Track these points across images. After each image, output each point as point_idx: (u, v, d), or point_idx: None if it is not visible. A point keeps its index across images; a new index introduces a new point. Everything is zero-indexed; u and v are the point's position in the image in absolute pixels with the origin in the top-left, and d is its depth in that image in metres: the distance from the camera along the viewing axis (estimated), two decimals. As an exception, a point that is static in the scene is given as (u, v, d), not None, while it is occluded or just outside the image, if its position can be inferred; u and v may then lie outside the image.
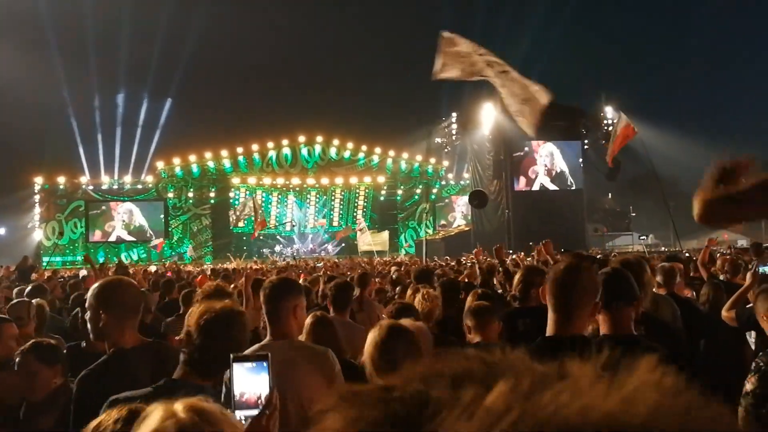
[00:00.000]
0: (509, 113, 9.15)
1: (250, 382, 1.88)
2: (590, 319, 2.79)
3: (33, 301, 5.59)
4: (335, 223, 48.39)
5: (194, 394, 1.92)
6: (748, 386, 3.01)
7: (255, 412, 1.84)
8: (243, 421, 1.81)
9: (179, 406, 1.39)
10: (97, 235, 43.53)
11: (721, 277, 7.37)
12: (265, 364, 1.90)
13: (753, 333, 5.54)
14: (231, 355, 1.93)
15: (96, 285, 3.32)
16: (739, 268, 7.44)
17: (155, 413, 1.38)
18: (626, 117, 19.97)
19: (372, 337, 2.90)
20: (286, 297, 3.44)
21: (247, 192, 45.88)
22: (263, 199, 46.28)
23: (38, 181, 42.61)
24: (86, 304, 3.23)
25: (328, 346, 3.56)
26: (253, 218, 43.53)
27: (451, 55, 8.81)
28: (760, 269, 5.74)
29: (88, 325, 3.20)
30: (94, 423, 1.74)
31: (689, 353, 4.79)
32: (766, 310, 3.79)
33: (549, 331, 2.75)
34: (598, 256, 14.33)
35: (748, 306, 5.13)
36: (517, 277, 5.10)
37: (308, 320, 4.06)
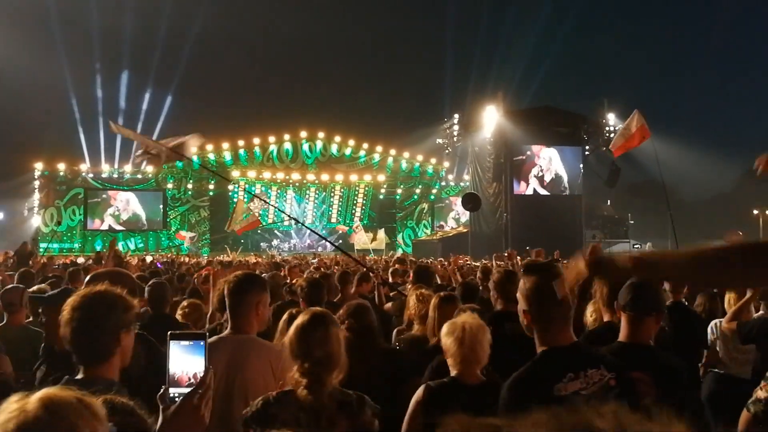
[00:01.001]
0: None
1: (186, 360, 1.86)
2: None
3: (30, 288, 5.61)
4: (333, 220, 48.41)
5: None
6: (762, 393, 3.05)
7: (188, 390, 1.83)
8: (175, 399, 1.81)
9: (32, 399, 1.35)
10: (96, 224, 43.50)
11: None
12: (201, 343, 1.89)
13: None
14: (168, 333, 1.91)
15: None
16: None
17: (5, 406, 1.35)
18: (641, 116, 19.58)
19: (296, 323, 2.92)
20: (249, 292, 3.42)
21: (247, 185, 45.87)
22: (263, 193, 46.29)
23: (38, 166, 42.60)
24: None
25: None
26: (248, 215, 43.46)
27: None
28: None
29: None
30: None
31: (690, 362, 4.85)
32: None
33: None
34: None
35: (751, 318, 5.20)
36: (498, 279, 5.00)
37: (283, 317, 4.06)
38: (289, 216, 43.42)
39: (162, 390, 1.83)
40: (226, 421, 3.12)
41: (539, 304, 2.57)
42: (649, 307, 3.16)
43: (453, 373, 3.42)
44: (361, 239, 34.98)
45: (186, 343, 1.89)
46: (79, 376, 2.42)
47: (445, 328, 3.46)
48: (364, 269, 8.70)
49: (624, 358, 2.79)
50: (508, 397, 2.48)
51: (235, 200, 45.67)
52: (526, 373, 2.52)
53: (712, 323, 5.76)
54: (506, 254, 10.10)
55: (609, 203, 47.35)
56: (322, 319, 2.88)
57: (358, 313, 4.14)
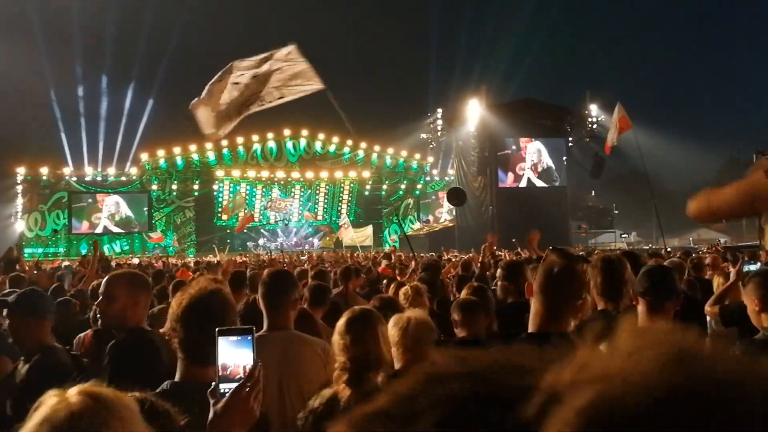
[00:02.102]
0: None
1: (234, 355, 1.91)
2: (574, 317, 2.83)
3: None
4: (319, 218, 48.40)
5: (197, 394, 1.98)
6: None
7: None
8: (226, 393, 1.85)
9: (72, 391, 1.40)
10: (84, 227, 43.23)
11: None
12: (249, 337, 1.93)
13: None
14: (216, 329, 1.95)
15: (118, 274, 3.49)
16: (702, 265, 7.67)
17: (48, 400, 1.39)
18: (623, 109, 19.99)
19: (340, 322, 2.94)
20: (287, 289, 3.51)
21: (232, 185, 45.81)
22: (248, 192, 46.28)
23: (21, 171, 42.22)
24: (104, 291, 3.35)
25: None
26: (238, 214, 43.59)
27: (210, 109, 8.78)
28: (745, 267, 5.82)
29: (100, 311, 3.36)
30: None
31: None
32: (760, 296, 3.84)
33: (533, 327, 2.76)
34: (581, 254, 14.45)
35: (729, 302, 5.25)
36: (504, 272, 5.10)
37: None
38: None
39: (213, 385, 1.88)
40: (283, 416, 3.22)
41: (544, 289, 2.66)
42: (668, 292, 3.26)
43: (397, 366, 3.37)
44: (349, 235, 34.95)
45: (234, 338, 1.94)
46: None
47: (391, 321, 3.42)
48: (352, 265, 8.75)
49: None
50: None
51: (221, 200, 45.77)
52: None
53: (707, 310, 5.81)
54: (487, 242, 10.05)
55: (593, 194, 47.59)
56: (367, 317, 2.92)
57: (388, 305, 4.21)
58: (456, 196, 23.46)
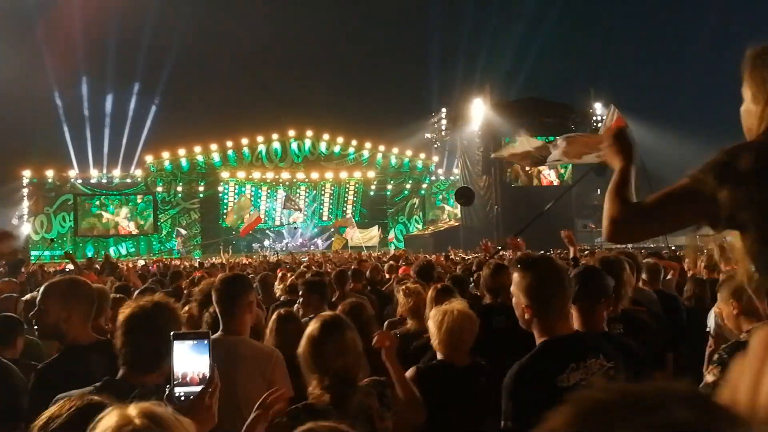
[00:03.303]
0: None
1: (189, 359, 1.90)
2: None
3: (22, 298, 5.61)
4: (325, 218, 48.41)
5: (128, 393, 1.96)
6: (710, 378, 3.02)
7: (195, 389, 1.87)
8: (182, 398, 1.84)
9: (134, 411, 1.40)
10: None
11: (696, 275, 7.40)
12: (205, 342, 1.92)
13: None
14: (171, 333, 1.94)
15: (54, 283, 3.33)
16: (715, 266, 7.52)
17: (109, 417, 1.39)
18: (617, 110, 19.94)
19: (307, 331, 2.78)
20: (242, 293, 3.39)
21: (237, 186, 45.86)
22: (252, 193, 46.34)
23: (26, 174, 42.35)
24: (39, 301, 3.18)
25: (292, 344, 3.54)
26: (243, 218, 43.68)
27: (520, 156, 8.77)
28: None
29: (36, 322, 3.21)
30: (46, 413, 1.78)
31: (672, 350, 4.82)
32: (726, 297, 3.79)
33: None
34: (585, 252, 14.36)
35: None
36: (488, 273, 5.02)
37: (273, 317, 4.06)
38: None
39: (168, 390, 1.86)
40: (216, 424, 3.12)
41: (540, 298, 2.57)
42: (598, 293, 3.18)
43: (439, 357, 3.47)
44: (354, 236, 34.95)
45: (190, 342, 1.92)
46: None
47: (431, 315, 3.50)
48: (354, 267, 8.72)
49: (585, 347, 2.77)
50: (513, 388, 2.50)
51: (226, 202, 45.83)
52: (529, 363, 2.54)
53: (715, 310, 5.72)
54: (482, 246, 10.04)
55: (599, 192, 47.45)
56: (336, 326, 2.73)
57: (355, 311, 4.16)
58: (464, 195, 23.41)
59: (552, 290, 2.57)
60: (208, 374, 1.89)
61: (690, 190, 1.68)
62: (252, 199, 46.31)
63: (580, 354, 2.51)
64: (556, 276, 2.62)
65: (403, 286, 4.88)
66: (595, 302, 3.13)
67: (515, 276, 2.66)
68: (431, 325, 3.43)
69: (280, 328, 3.96)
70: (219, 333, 3.35)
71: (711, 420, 0.50)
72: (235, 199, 46.12)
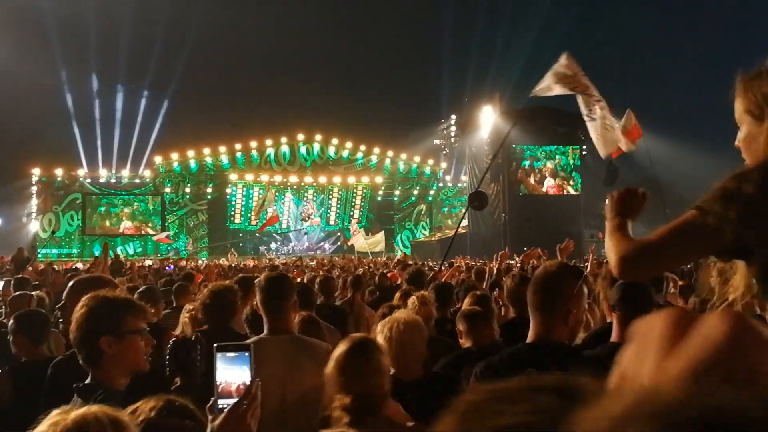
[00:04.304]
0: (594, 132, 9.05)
1: (231, 371, 1.92)
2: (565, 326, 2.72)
3: (34, 293, 5.64)
4: (332, 222, 48.45)
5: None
6: None
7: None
8: (225, 410, 1.86)
9: (71, 415, 1.46)
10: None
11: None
12: (246, 354, 1.94)
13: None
14: (214, 345, 1.97)
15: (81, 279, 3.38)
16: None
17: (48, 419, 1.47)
18: (633, 115, 19.93)
19: (335, 353, 2.72)
20: (288, 293, 3.48)
21: (245, 188, 45.98)
22: (260, 195, 46.47)
23: (35, 172, 42.53)
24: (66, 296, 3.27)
25: None
26: (265, 213, 43.90)
27: (560, 77, 8.62)
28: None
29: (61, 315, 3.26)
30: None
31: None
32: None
33: (532, 336, 2.71)
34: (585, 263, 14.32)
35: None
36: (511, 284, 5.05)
37: (296, 320, 4.07)
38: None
39: (211, 401, 1.88)
40: (284, 419, 3.17)
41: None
42: (639, 305, 3.18)
43: (391, 371, 3.38)
44: (359, 242, 34.95)
45: (232, 354, 1.95)
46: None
47: (377, 328, 3.41)
48: (364, 274, 8.71)
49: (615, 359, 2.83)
50: (478, 379, 2.56)
51: (234, 204, 45.94)
52: (499, 359, 2.58)
53: None
54: (499, 255, 9.98)
55: (607, 202, 47.36)
56: (365, 348, 2.68)
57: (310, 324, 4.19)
58: (477, 198, 23.39)
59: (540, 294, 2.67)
60: (246, 386, 1.91)
61: (698, 224, 1.67)
62: (276, 196, 46.52)
63: (552, 361, 2.50)
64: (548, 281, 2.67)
65: (418, 294, 4.86)
66: (635, 314, 3.13)
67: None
68: (380, 340, 3.21)
69: (303, 331, 3.95)
70: (265, 333, 3.39)
71: (575, 404, 0.52)
72: (243, 201, 46.23)
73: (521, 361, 2.54)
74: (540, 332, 2.67)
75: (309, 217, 46.44)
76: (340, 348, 2.70)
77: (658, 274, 6.01)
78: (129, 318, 2.54)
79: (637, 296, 3.21)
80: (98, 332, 2.45)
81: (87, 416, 1.47)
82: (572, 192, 37.90)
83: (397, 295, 5.67)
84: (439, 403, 0.59)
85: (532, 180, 37.38)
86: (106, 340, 2.45)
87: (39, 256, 28.09)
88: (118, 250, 37.24)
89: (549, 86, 8.58)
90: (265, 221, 41.59)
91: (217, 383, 1.90)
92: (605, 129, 8.82)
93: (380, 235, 38.54)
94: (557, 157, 37.78)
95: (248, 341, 3.06)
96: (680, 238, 1.75)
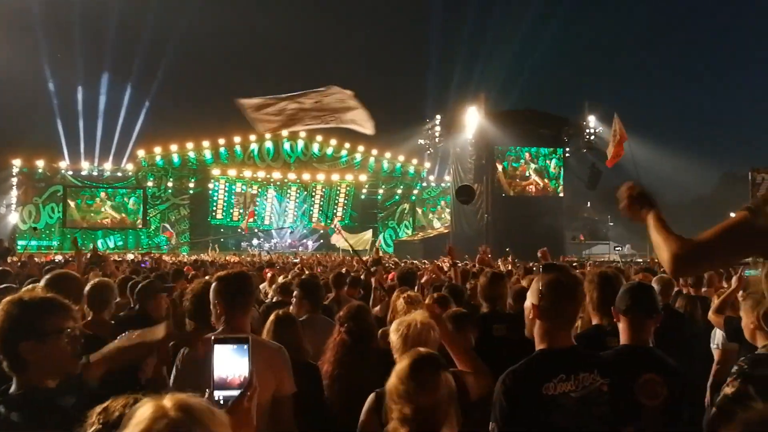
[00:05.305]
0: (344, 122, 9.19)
1: (230, 363, 1.92)
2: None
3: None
4: (314, 219, 48.40)
5: None
6: (729, 390, 3.01)
7: (233, 393, 1.88)
8: (221, 402, 1.85)
9: (168, 404, 1.36)
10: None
11: (683, 291, 7.38)
12: (245, 346, 1.95)
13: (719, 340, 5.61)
14: (212, 337, 2.01)
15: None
16: (701, 281, 7.55)
17: (143, 410, 1.35)
18: (619, 120, 20.39)
19: (400, 363, 2.62)
20: (245, 292, 3.41)
21: (227, 184, 45.82)
22: (243, 191, 46.33)
23: (16, 163, 42.15)
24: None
25: (289, 345, 3.53)
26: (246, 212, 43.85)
27: (263, 112, 8.67)
28: (746, 273, 5.75)
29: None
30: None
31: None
32: (748, 308, 3.80)
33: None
34: (573, 264, 14.35)
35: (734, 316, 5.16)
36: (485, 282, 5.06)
37: (270, 318, 4.04)
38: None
39: (207, 393, 1.86)
40: None
41: (552, 301, 2.62)
42: (649, 309, 3.27)
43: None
44: (340, 241, 34.89)
45: (231, 346, 1.95)
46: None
47: (392, 326, 3.41)
48: (353, 274, 8.66)
49: (633, 361, 3.01)
50: (501, 392, 2.54)
51: (216, 199, 45.76)
52: (520, 369, 2.59)
53: (710, 316, 5.64)
54: (480, 252, 10.01)
55: (589, 205, 47.68)
56: (431, 362, 2.58)
57: (359, 315, 4.13)
58: (465, 193, 23.42)
59: (561, 296, 2.63)
60: (247, 378, 1.91)
61: (748, 224, 1.74)
62: (257, 195, 46.48)
63: (573, 366, 2.55)
64: (569, 285, 2.67)
65: (405, 294, 4.80)
66: (646, 317, 3.23)
67: (537, 277, 2.74)
68: (394, 338, 3.29)
69: (278, 330, 3.93)
70: (220, 330, 3.35)
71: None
72: (225, 197, 46.07)
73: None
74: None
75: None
76: (406, 361, 2.60)
77: (707, 271, 6.06)
78: (51, 318, 2.36)
79: (646, 300, 3.30)
80: (17, 338, 2.28)
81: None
82: (555, 193, 38.03)
83: (395, 294, 5.66)
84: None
85: (515, 181, 37.48)
86: (27, 345, 2.28)
87: (18, 248, 27.79)
88: (99, 244, 36.94)
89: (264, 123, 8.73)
90: (245, 219, 41.56)
91: (215, 375, 1.90)
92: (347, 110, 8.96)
93: (368, 234, 38.55)
94: (540, 158, 37.88)
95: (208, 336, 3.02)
96: (730, 238, 1.84)
